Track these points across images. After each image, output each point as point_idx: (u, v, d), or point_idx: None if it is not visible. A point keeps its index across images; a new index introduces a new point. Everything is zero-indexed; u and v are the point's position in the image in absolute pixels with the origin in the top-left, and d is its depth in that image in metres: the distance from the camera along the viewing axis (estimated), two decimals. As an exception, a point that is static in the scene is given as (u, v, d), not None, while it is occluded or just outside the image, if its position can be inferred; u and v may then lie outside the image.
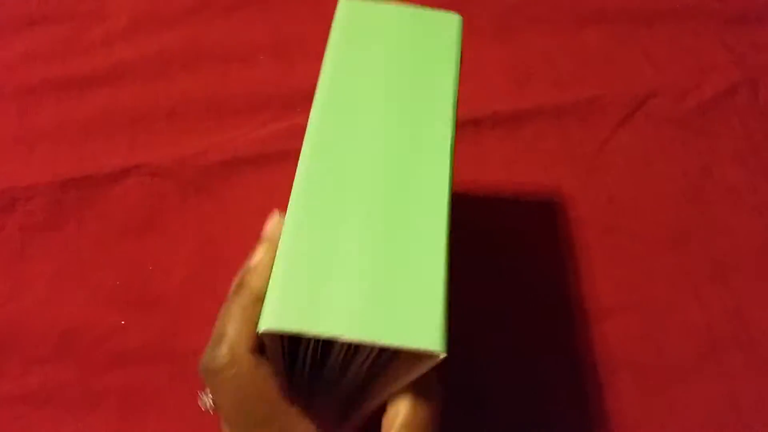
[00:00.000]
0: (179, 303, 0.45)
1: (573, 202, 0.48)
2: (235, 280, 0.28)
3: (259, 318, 0.23)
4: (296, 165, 0.28)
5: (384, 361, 0.26)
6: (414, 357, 0.24)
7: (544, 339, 0.42)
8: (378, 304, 0.23)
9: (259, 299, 0.24)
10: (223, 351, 0.26)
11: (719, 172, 0.49)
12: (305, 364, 0.28)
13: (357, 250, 0.25)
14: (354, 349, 0.25)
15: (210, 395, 0.28)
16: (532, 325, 0.43)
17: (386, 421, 0.26)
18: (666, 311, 0.44)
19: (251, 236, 0.47)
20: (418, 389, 0.26)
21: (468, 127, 0.50)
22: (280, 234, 0.25)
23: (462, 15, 0.32)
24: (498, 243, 0.46)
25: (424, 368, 0.24)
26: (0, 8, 0.57)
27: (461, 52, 0.32)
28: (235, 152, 0.51)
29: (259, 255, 0.28)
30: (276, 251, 0.25)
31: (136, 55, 0.56)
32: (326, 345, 0.26)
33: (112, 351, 0.43)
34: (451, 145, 0.29)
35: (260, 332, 0.23)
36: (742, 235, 0.46)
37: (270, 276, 0.24)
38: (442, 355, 0.23)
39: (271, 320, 0.23)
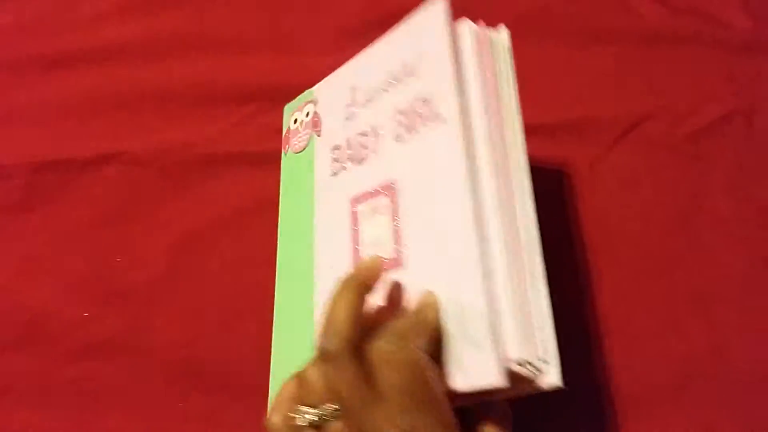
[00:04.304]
0: (147, 298, 0.44)
1: (559, 221, 0.47)
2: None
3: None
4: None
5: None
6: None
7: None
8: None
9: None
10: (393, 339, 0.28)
11: (709, 200, 0.48)
12: None
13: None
14: None
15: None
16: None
17: None
18: (644, 339, 0.43)
19: (228, 236, 0.46)
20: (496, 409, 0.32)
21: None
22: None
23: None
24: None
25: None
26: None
27: None
28: (220, 147, 0.49)
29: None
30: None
31: (126, 37, 0.55)
32: None
33: (75, 344, 0.42)
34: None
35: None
36: (727, 267, 0.46)
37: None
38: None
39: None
